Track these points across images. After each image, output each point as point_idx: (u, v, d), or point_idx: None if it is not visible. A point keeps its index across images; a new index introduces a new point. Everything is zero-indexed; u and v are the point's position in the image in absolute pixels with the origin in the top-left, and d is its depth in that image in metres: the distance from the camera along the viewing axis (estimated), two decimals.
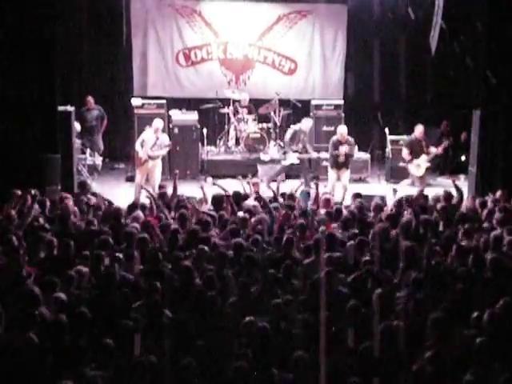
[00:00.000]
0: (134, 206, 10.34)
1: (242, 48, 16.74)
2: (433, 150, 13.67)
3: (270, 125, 16.19)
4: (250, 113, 16.14)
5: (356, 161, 15.15)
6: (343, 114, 15.88)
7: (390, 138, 15.33)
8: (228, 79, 16.81)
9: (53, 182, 12.22)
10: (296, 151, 14.12)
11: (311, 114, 16.05)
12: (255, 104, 16.24)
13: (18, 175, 11.22)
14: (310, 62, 16.90)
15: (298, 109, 16.22)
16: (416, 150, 13.60)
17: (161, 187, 11.83)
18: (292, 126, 14.60)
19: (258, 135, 15.91)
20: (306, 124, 14.34)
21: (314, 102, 16.21)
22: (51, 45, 12.09)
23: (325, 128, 15.75)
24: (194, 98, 16.50)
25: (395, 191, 11.87)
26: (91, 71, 16.18)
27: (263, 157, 15.67)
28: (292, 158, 14.17)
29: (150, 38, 16.48)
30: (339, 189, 13.26)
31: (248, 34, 16.69)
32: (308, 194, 11.49)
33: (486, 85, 12.75)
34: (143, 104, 15.43)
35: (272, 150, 15.79)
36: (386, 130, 15.03)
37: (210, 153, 16.03)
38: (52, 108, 12.23)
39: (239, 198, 10.77)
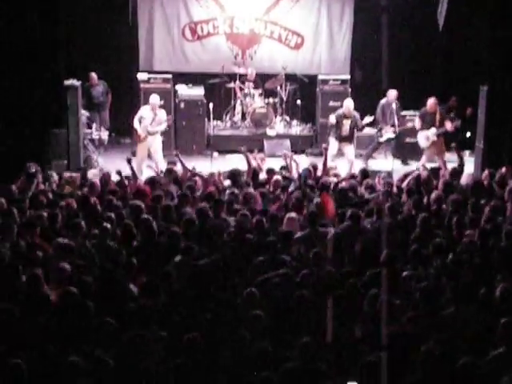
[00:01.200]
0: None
1: (248, 22, 16.63)
2: (448, 125, 13.61)
3: (277, 100, 16.15)
4: (256, 88, 16.09)
5: (363, 136, 15.15)
6: (350, 89, 15.83)
7: None
8: (234, 54, 16.72)
9: (59, 156, 12.27)
10: (393, 125, 14.06)
11: (317, 88, 16.01)
12: (261, 79, 16.19)
13: (24, 150, 11.25)
14: (316, 36, 16.79)
15: (305, 83, 16.16)
16: (427, 121, 13.58)
17: (169, 163, 11.82)
18: (381, 101, 14.52)
19: (265, 110, 15.87)
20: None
21: (320, 77, 16.17)
22: (56, 19, 12.07)
23: (331, 103, 15.69)
24: (201, 72, 16.43)
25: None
26: (97, 46, 16.07)
27: (269, 132, 15.64)
28: (389, 134, 14.10)
29: (156, 12, 16.38)
30: (345, 164, 13.25)
31: (254, 8, 16.56)
32: (309, 171, 11.37)
33: (494, 60, 12.68)
34: (149, 78, 15.40)
35: (278, 125, 15.76)
36: (394, 105, 14.95)
37: (216, 128, 16.00)
38: (58, 83, 12.23)
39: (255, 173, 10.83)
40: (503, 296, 6.37)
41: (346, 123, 13.37)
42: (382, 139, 14.33)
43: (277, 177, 10.60)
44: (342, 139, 13.44)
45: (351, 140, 13.58)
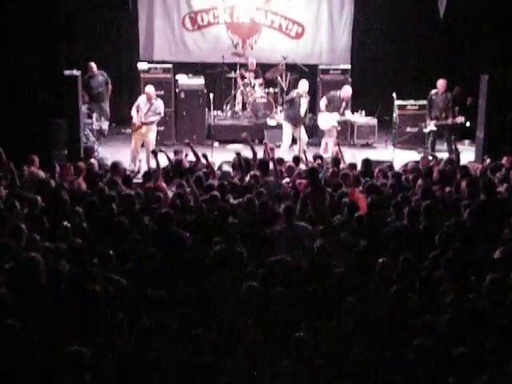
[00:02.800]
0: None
1: (248, 12, 16.59)
2: (458, 119, 13.62)
3: (277, 89, 16.12)
4: (256, 77, 16.06)
5: (363, 126, 15.13)
6: (350, 79, 15.80)
7: (397, 102, 15.22)
8: (235, 43, 16.69)
9: (59, 146, 12.25)
10: (436, 118, 14.05)
11: (318, 78, 15.98)
12: (262, 68, 16.16)
13: (24, 140, 11.24)
14: (317, 25, 16.76)
15: (305, 73, 16.13)
16: (334, 106, 13.83)
17: (176, 153, 11.79)
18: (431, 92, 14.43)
19: (265, 100, 15.85)
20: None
21: (321, 67, 16.14)
22: (55, 8, 12.03)
23: (332, 92, 15.65)
24: (201, 62, 16.42)
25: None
26: (97, 36, 16.07)
27: (270, 121, 15.62)
28: (431, 126, 14.12)
29: (156, 1, 16.33)
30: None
31: None
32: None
33: (495, 49, 12.66)
34: (149, 68, 15.38)
35: (279, 115, 15.75)
36: (394, 94, 14.93)
37: (217, 118, 15.99)
38: (58, 72, 12.20)
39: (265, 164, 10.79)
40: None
41: (303, 103, 13.54)
42: (425, 130, 14.30)
43: (290, 163, 10.73)
44: (297, 119, 13.51)
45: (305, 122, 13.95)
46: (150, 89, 13.36)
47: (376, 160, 12.14)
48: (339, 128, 14.26)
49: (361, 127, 15.46)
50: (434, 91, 14.30)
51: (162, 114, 13.43)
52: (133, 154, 12.94)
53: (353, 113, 14.95)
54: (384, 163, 11.82)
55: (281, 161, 11.02)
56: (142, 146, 13.26)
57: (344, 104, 14.01)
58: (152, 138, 13.27)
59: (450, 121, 13.79)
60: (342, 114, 14.01)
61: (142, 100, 13.33)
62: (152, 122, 13.24)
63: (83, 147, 13.20)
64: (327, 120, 13.88)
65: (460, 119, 13.66)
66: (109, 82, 15.30)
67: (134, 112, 13.25)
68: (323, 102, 14.01)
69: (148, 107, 13.17)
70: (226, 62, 16.04)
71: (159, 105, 13.33)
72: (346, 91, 14.04)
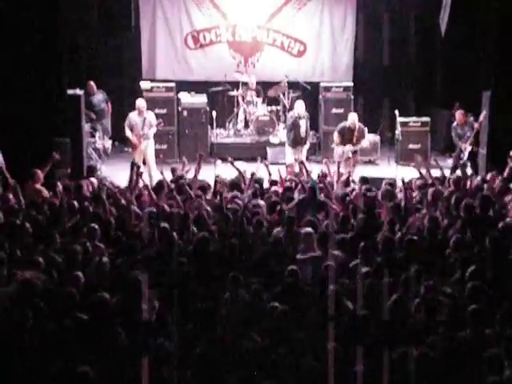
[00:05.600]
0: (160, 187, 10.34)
1: (250, 30, 16.68)
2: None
3: (280, 107, 16.15)
4: (258, 95, 16.11)
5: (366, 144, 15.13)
6: (352, 96, 15.84)
7: (399, 119, 15.24)
8: (237, 62, 16.75)
9: (62, 165, 12.26)
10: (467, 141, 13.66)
11: (320, 96, 16.01)
12: (264, 86, 16.20)
13: (27, 159, 11.24)
14: (319, 43, 16.83)
15: (307, 91, 16.17)
16: (346, 138, 13.30)
17: (173, 170, 11.74)
18: (452, 125, 13.94)
19: (268, 118, 15.88)
20: None
21: (322, 84, 16.18)
22: (58, 27, 12.07)
23: (334, 110, 15.74)
24: (203, 80, 16.47)
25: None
26: (100, 54, 16.14)
27: (272, 139, 15.65)
28: (468, 148, 13.59)
29: (158, 20, 16.43)
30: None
31: (256, 16, 16.61)
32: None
33: (496, 66, 12.68)
34: (152, 87, 15.43)
35: (281, 133, 15.77)
36: (396, 111, 14.96)
37: (220, 136, 16.02)
38: (61, 92, 12.23)
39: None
40: None
41: (303, 124, 13.52)
42: (464, 157, 13.87)
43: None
44: (298, 141, 13.55)
45: (306, 141, 13.82)
46: (140, 101, 13.31)
47: (378, 177, 12.12)
48: (356, 156, 13.70)
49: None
50: (454, 123, 13.98)
51: (155, 123, 13.33)
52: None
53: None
54: (385, 180, 11.77)
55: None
56: (144, 163, 13.20)
57: (356, 133, 13.41)
58: (151, 152, 13.25)
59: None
60: (356, 144, 13.44)
61: (132, 116, 13.21)
62: (149, 137, 13.19)
63: (86, 166, 13.21)
64: (342, 152, 13.48)
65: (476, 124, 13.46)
66: (108, 100, 15.35)
67: (128, 132, 13.13)
68: (336, 137, 13.50)
69: (142, 121, 13.08)
70: (228, 80, 16.09)
71: (151, 117, 13.29)
72: (352, 119, 13.49)
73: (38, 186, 10.05)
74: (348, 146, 13.38)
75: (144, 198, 9.64)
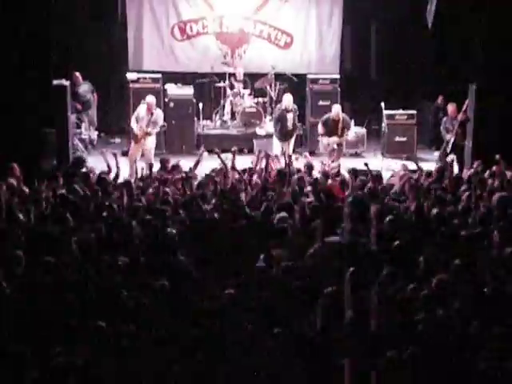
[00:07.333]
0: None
1: (237, 22, 16.61)
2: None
3: (266, 99, 16.14)
4: (245, 87, 16.09)
5: (352, 135, 15.15)
6: (339, 89, 15.85)
7: (386, 112, 15.29)
8: (223, 53, 16.69)
9: (48, 156, 12.23)
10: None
11: (307, 88, 16.02)
12: (251, 78, 16.19)
13: (13, 150, 11.20)
14: (305, 35, 16.79)
15: (294, 83, 16.17)
16: (329, 129, 13.57)
17: (166, 161, 11.69)
18: (443, 119, 14.05)
19: (254, 110, 15.87)
20: None
21: (309, 76, 16.18)
22: (45, 18, 12.01)
23: (321, 102, 15.73)
24: (190, 72, 16.43)
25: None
26: (86, 45, 16.06)
27: (259, 131, 15.64)
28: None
29: (145, 11, 16.33)
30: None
31: (243, 7, 16.56)
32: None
33: (483, 59, 12.72)
34: (138, 78, 15.38)
35: (268, 125, 15.76)
36: (382, 104, 14.99)
37: (206, 127, 16.00)
38: (46, 82, 12.18)
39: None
40: None
41: (290, 117, 13.63)
42: (448, 149, 13.83)
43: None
44: (285, 134, 13.69)
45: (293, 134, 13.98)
46: (150, 98, 13.29)
47: (364, 170, 12.14)
48: (340, 147, 13.87)
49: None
50: (445, 118, 14.05)
51: (162, 123, 13.39)
52: (131, 164, 12.72)
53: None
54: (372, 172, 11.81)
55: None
56: (142, 155, 13.21)
57: (340, 125, 13.57)
58: (152, 146, 13.31)
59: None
60: (341, 136, 13.62)
61: (141, 110, 13.27)
62: (152, 134, 13.26)
63: (73, 157, 13.18)
64: (327, 143, 13.65)
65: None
66: (94, 91, 15.31)
67: (133, 123, 13.19)
68: (320, 127, 13.74)
69: (148, 118, 13.10)
70: (215, 71, 16.06)
71: (159, 115, 13.33)
72: (335, 111, 13.67)
73: (13, 180, 9.86)
74: (334, 138, 13.47)
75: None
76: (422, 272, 7.19)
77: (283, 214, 8.47)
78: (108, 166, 10.71)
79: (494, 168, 10.97)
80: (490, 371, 5.40)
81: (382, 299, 6.28)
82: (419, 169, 11.10)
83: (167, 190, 9.67)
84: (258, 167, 11.12)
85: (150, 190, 9.75)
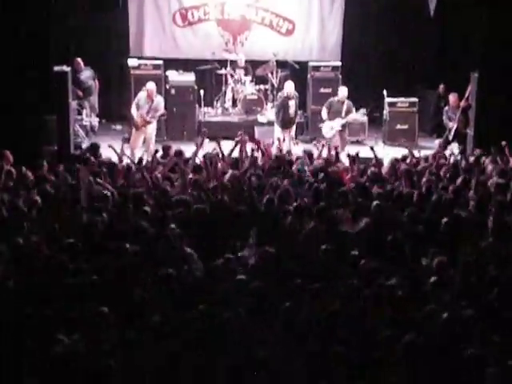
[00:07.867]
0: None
1: (239, 8, 16.54)
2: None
3: (268, 86, 16.11)
4: (247, 74, 16.05)
5: (353, 123, 15.14)
6: (341, 76, 15.81)
7: (387, 99, 15.27)
8: (225, 40, 16.63)
9: (49, 143, 12.23)
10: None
11: (308, 75, 15.99)
12: (252, 65, 16.14)
13: (14, 137, 11.20)
14: (307, 22, 16.72)
15: (296, 70, 16.13)
16: (334, 111, 13.78)
17: (167, 148, 11.68)
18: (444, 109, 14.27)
19: (256, 97, 15.84)
20: None
21: (311, 64, 16.13)
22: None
23: (322, 90, 15.69)
24: (191, 58, 16.39)
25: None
26: (87, 31, 16.00)
27: (260, 118, 15.63)
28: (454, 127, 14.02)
29: None
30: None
31: None
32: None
33: (484, 47, 12.70)
34: (139, 65, 15.35)
35: (269, 112, 15.75)
36: (384, 91, 14.96)
37: (207, 114, 15.98)
38: (47, 68, 12.16)
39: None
40: None
41: (292, 105, 13.64)
42: (450, 137, 13.98)
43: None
44: (287, 121, 13.70)
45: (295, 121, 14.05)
46: (151, 85, 13.32)
47: (366, 157, 12.17)
48: (343, 134, 14.01)
49: (351, 124, 15.44)
50: (447, 107, 14.14)
51: (163, 111, 13.42)
52: (132, 150, 12.74)
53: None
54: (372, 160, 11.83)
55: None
56: (143, 142, 13.26)
57: (345, 107, 13.76)
58: (153, 133, 13.36)
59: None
60: (344, 117, 13.77)
61: (142, 97, 13.29)
62: (152, 121, 13.30)
63: (73, 143, 13.17)
64: (330, 127, 13.77)
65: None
66: (96, 77, 15.28)
67: (134, 110, 13.25)
68: (324, 112, 13.84)
69: (149, 105, 13.14)
70: (216, 58, 16.02)
71: (160, 101, 13.35)
72: (343, 92, 13.88)
73: (8, 167, 9.88)
74: (337, 120, 13.52)
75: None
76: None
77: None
78: (119, 157, 10.70)
79: (499, 156, 11.01)
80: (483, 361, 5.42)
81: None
82: (411, 154, 11.19)
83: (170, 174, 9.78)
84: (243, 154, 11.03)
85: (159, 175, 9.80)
